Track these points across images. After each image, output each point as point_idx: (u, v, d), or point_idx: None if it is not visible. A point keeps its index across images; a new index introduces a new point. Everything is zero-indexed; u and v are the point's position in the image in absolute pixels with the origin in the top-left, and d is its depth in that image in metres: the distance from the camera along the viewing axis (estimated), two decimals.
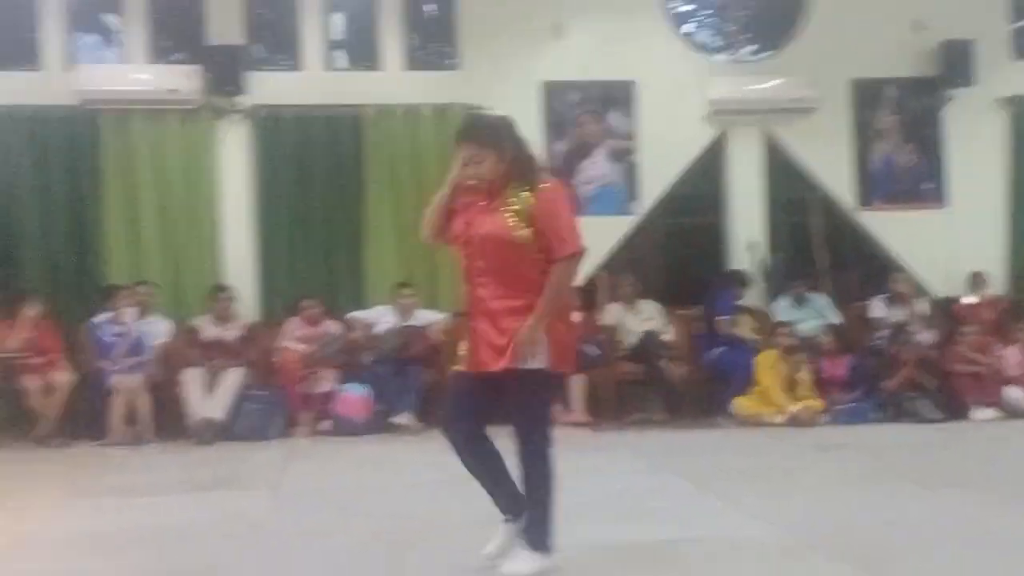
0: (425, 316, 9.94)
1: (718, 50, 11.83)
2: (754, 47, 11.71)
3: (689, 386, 10.03)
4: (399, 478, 7.22)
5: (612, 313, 10.19)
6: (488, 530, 4.65)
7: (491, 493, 4.55)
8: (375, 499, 6.40)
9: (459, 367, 4.47)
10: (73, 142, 10.02)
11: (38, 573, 4.85)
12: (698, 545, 5.02)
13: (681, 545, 5.03)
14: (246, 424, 9.07)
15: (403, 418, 9.27)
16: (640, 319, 10.18)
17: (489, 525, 4.67)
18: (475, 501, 6.25)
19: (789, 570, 4.62)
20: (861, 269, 11.19)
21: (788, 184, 11.18)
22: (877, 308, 10.41)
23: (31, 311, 9.23)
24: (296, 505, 6.36)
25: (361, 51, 11.29)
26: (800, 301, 10.43)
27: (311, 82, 10.47)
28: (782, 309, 10.41)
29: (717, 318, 10.10)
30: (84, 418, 9.32)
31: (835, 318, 10.40)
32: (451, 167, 4.49)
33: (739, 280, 10.42)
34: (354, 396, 9.31)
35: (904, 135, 11.08)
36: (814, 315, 10.40)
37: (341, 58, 11.45)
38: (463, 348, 4.46)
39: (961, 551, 4.87)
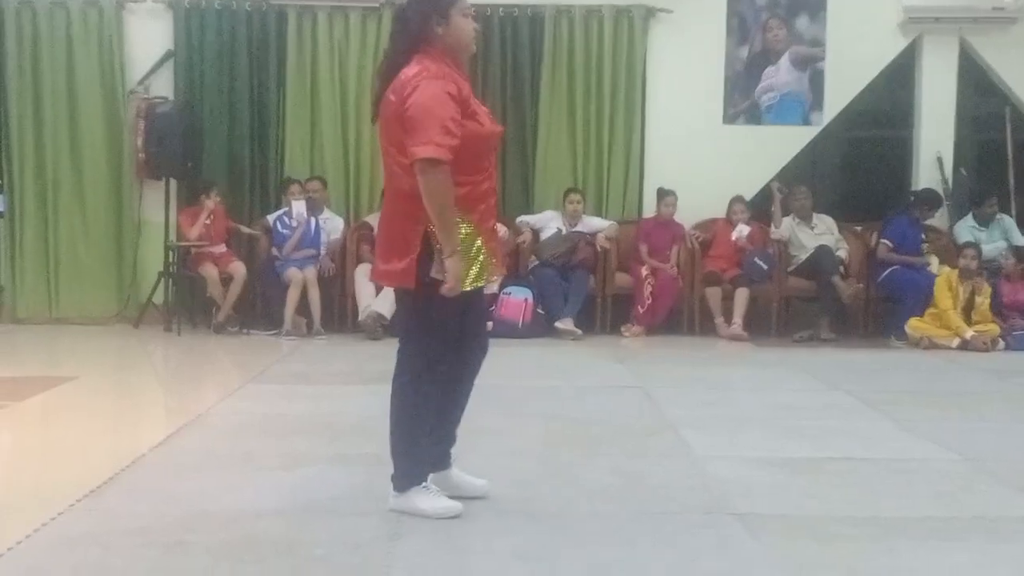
0: (592, 223, 9.92)
1: None
2: None
3: (862, 305, 9.80)
4: (565, 381, 7.31)
5: (785, 226, 9.96)
6: (654, 436, 4.65)
7: (419, 441, 4.10)
8: (537, 401, 6.50)
9: (477, 284, 3.96)
10: (259, 36, 10.26)
11: (216, 452, 5.11)
12: (872, 464, 4.99)
13: (853, 464, 5.00)
14: None
15: (565, 323, 9.34)
16: (814, 233, 9.93)
17: (654, 433, 4.68)
18: (636, 407, 6.33)
19: (964, 496, 4.55)
20: None
21: (982, 98, 10.66)
22: None
23: (212, 202, 9.60)
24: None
25: None
26: (986, 221, 10.00)
27: None
28: (966, 229, 10.00)
29: (884, 242, 9.79)
30: (259, 308, 9.73)
31: (1021, 240, 9.93)
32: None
33: (927, 201, 9.98)
34: (517, 299, 9.41)
35: None
36: (999, 236, 9.96)
37: None
38: (487, 261, 3.97)
39: None
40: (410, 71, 3.87)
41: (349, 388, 6.98)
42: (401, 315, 4.13)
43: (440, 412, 4.13)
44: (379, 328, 9.11)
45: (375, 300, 9.25)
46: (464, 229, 3.88)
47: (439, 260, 3.83)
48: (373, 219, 9.88)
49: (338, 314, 9.67)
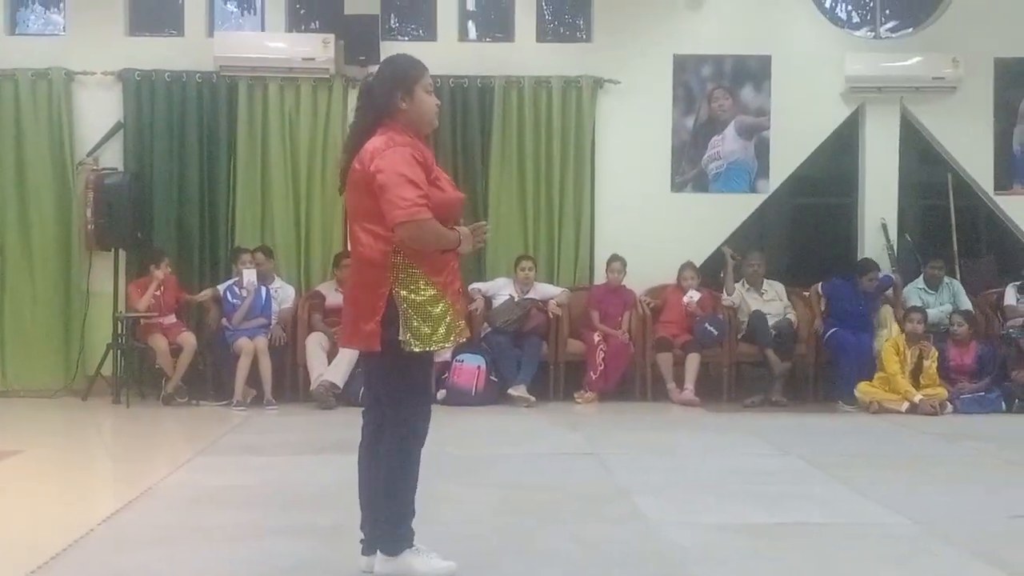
0: (544, 289, 9.97)
1: (857, 26, 11.51)
2: (894, 23, 11.37)
3: (809, 370, 9.89)
4: (517, 448, 7.30)
5: (735, 292, 10.06)
6: (608, 503, 4.67)
7: (411, 503, 4.17)
8: (493, 469, 6.49)
9: (445, 344, 4.06)
10: (209, 107, 10.27)
11: (165, 526, 5.05)
12: (826, 529, 5.01)
13: (807, 529, 5.02)
14: (365, 390, 9.21)
15: (519, 390, 9.34)
16: (764, 299, 10.03)
17: (610, 499, 4.70)
18: (590, 474, 6.33)
19: (917, 559, 4.58)
20: (995, 255, 10.81)
21: (925, 165, 10.89)
22: (1010, 295, 10.07)
23: (161, 272, 9.54)
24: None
25: (494, 22, 11.32)
26: (934, 284, 10.15)
27: (443, 52, 10.52)
28: (915, 291, 10.15)
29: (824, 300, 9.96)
30: (209, 378, 9.64)
31: (967, 305, 10.08)
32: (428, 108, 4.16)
33: (860, 268, 10.13)
34: (470, 366, 9.40)
35: None
36: (947, 299, 10.12)
37: (473, 29, 11.49)
38: (453, 321, 4.07)
39: None
40: (376, 141, 4.02)
41: (301, 458, 6.92)
42: (377, 384, 4.14)
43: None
44: (331, 397, 9.06)
45: (327, 369, 9.21)
46: (429, 291, 3.99)
47: (404, 323, 3.93)
48: (325, 288, 9.88)
49: (289, 384, 9.60)
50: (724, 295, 10.06)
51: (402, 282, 3.99)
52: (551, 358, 9.81)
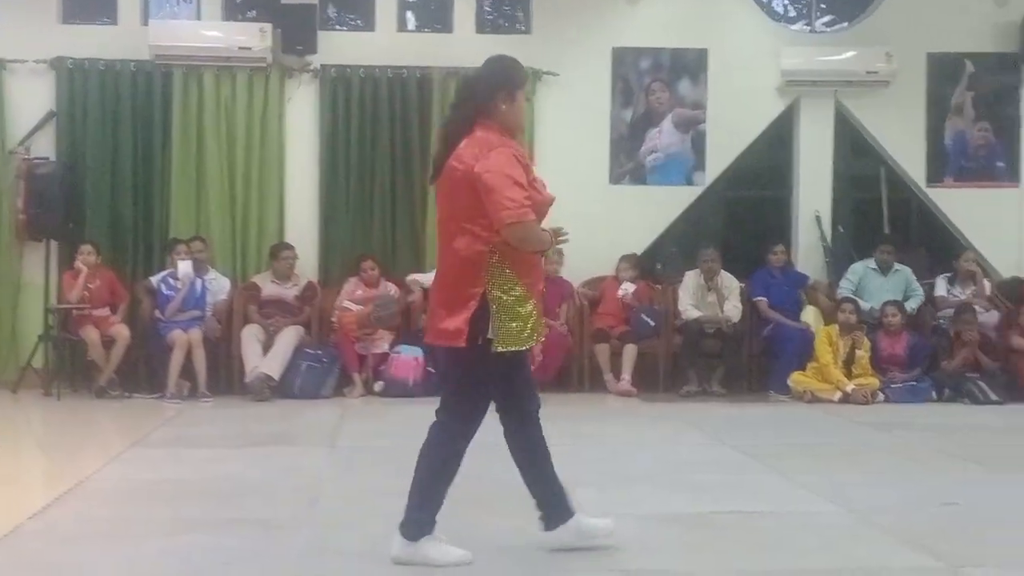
0: None
1: (793, 20, 11.63)
2: (829, 17, 11.50)
3: (745, 360, 9.99)
4: None
5: (685, 285, 10.07)
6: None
7: (441, 494, 4.33)
8: None
9: (530, 343, 4.19)
10: (144, 97, 10.13)
11: (98, 520, 4.98)
12: (759, 518, 5.07)
13: (739, 518, 5.06)
14: (301, 382, 9.20)
15: None
16: (713, 293, 10.03)
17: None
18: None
19: (849, 548, 4.64)
20: (927, 247, 10.98)
21: (858, 158, 11.02)
22: (941, 287, 10.22)
23: (92, 262, 9.40)
24: (353, 463, 6.50)
25: (432, 13, 11.29)
26: (884, 268, 10.25)
27: (382, 43, 10.49)
28: (862, 267, 10.24)
29: (760, 299, 10.07)
30: (142, 371, 9.53)
31: (919, 292, 10.21)
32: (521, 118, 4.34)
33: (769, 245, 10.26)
34: (408, 358, 9.38)
35: (980, 112, 10.82)
36: (898, 286, 10.20)
37: (412, 19, 11.45)
38: (538, 320, 4.21)
39: (1018, 531, 4.91)
40: (478, 140, 4.11)
41: (236, 451, 6.87)
42: (451, 377, 4.27)
43: (545, 463, 4.43)
44: (267, 390, 9.00)
45: (262, 361, 9.14)
46: (519, 291, 4.12)
47: (494, 322, 4.06)
48: (261, 279, 9.81)
49: (224, 376, 9.51)
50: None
51: (495, 282, 4.09)
52: None
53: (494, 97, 4.16)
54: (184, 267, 9.41)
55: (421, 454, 4.27)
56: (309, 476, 6.00)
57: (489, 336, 4.06)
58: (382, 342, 9.53)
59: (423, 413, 8.52)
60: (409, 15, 11.34)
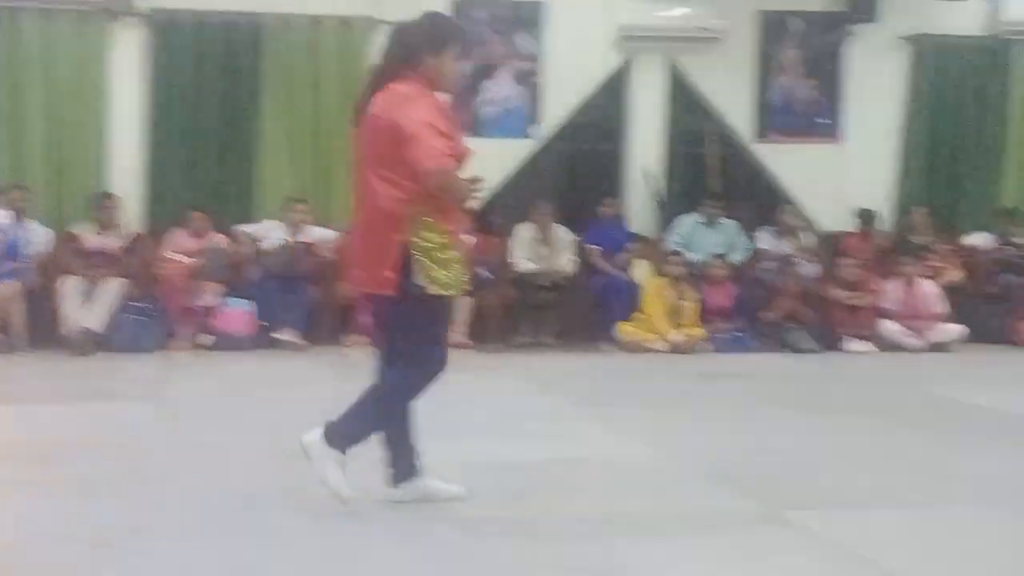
0: (316, 232, 9.82)
1: None
2: None
3: (577, 312, 10.11)
4: (286, 394, 7.19)
5: (519, 237, 10.11)
6: (375, 447, 4.67)
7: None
8: (262, 414, 6.37)
9: (457, 290, 4.25)
10: None
11: None
12: (581, 465, 5.15)
13: (565, 465, 5.14)
14: (124, 336, 8.92)
15: (287, 335, 9.20)
16: (547, 246, 10.10)
17: (376, 442, 4.69)
18: None
19: (671, 492, 4.76)
20: (754, 201, 11.28)
21: (688, 114, 11.19)
22: (764, 239, 10.52)
23: None
24: (179, 419, 6.34)
25: None
26: (712, 222, 10.47)
27: None
28: (691, 222, 10.44)
29: (593, 248, 10.19)
30: None
31: (746, 244, 10.47)
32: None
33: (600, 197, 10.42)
34: (237, 311, 9.20)
35: (805, 69, 11.11)
36: (726, 239, 10.44)
37: None
38: (461, 267, 4.24)
39: (834, 475, 5.09)
40: (399, 90, 4.15)
41: (56, 407, 6.62)
42: (387, 326, 4.30)
43: (404, 423, 4.43)
44: (89, 343, 8.71)
45: (84, 314, 8.84)
46: (439, 238, 4.14)
47: (421, 269, 4.11)
48: (83, 229, 9.45)
49: (44, 330, 9.13)
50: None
51: (418, 230, 4.11)
52: (321, 302, 9.69)
53: (421, 51, 4.22)
54: (4, 216, 9.01)
55: (364, 393, 4.32)
56: (134, 432, 5.83)
57: (417, 282, 4.12)
58: (210, 294, 9.30)
59: (252, 367, 8.46)
60: None
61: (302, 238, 9.70)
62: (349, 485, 4.23)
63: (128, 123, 10.00)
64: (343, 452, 4.24)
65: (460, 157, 4.21)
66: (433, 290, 4.14)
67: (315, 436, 4.25)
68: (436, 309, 4.24)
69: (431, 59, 4.22)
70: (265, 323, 9.29)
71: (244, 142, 10.06)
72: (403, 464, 4.45)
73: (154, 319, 9.11)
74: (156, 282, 9.38)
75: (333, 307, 9.69)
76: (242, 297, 9.28)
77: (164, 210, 9.95)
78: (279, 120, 10.15)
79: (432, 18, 4.34)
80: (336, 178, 10.17)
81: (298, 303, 9.40)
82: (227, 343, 9.01)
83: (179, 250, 9.45)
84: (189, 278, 9.27)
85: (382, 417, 4.36)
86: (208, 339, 9.12)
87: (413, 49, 4.22)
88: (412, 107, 4.09)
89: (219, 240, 9.61)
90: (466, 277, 4.31)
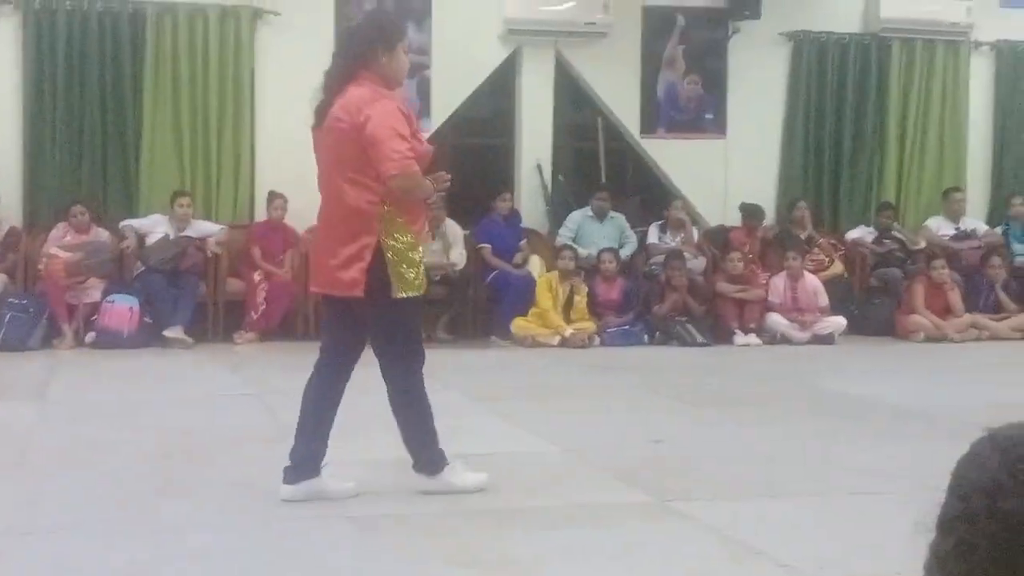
0: (202, 227, 9.66)
1: None
2: None
3: (470, 307, 10.12)
4: (172, 392, 7.09)
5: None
6: (270, 446, 4.65)
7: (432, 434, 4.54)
8: (147, 413, 6.27)
9: (409, 292, 4.28)
10: None
11: None
12: (483, 460, 5.14)
13: (467, 461, 5.10)
14: (5, 334, 8.67)
15: (174, 331, 9.04)
16: (439, 241, 10.07)
17: (271, 440, 4.66)
18: (252, 416, 6.24)
19: (567, 485, 4.81)
20: (641, 195, 11.41)
21: (577, 108, 11.28)
22: (653, 234, 10.66)
23: None
24: (63, 418, 6.22)
25: None
26: (600, 215, 10.56)
27: None
28: (580, 215, 10.51)
29: (483, 246, 10.21)
30: None
31: (633, 239, 10.57)
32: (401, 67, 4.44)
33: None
34: (122, 307, 9.00)
35: (690, 65, 11.25)
36: (614, 233, 10.53)
37: None
38: (422, 268, 4.35)
39: (724, 467, 5.18)
40: (360, 92, 4.23)
41: None
42: (377, 333, 4.38)
43: (329, 411, 4.48)
44: None
45: None
46: (408, 239, 4.24)
47: (392, 270, 4.19)
48: None
49: None
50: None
51: (388, 231, 4.19)
52: (209, 297, 9.54)
53: (373, 49, 4.30)
54: None
55: (396, 408, 4.48)
56: (17, 431, 5.68)
57: (389, 284, 4.20)
58: (94, 291, 9.09)
59: (137, 364, 8.31)
60: None
61: (188, 232, 9.54)
62: (473, 473, 4.54)
63: (5, 115, 9.71)
64: (446, 463, 4.46)
65: (421, 157, 4.28)
66: (404, 292, 4.22)
67: (424, 481, 4.45)
68: (411, 306, 4.33)
69: (384, 57, 4.30)
70: (150, 319, 9.11)
71: (127, 134, 9.84)
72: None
73: (35, 316, 8.87)
74: (38, 278, 9.14)
75: (223, 302, 9.56)
76: (127, 293, 9.08)
77: (45, 204, 9.70)
78: (163, 112, 9.95)
79: (378, 16, 4.58)
80: (223, 170, 10.03)
81: (185, 299, 9.24)
82: (112, 340, 8.80)
83: (61, 245, 9.21)
84: (71, 274, 9.05)
85: (423, 411, 4.48)
86: (91, 336, 8.91)
87: (367, 49, 4.31)
88: (372, 110, 4.15)
89: (102, 235, 9.40)
90: (427, 277, 4.44)
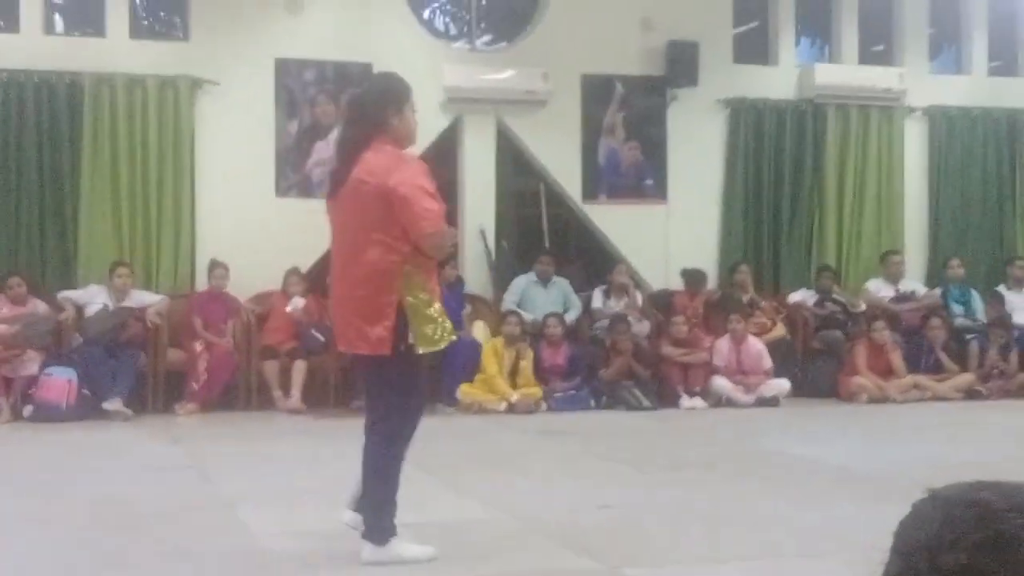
0: (142, 297, 9.55)
1: (455, 37, 11.86)
2: (489, 36, 11.81)
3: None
4: (109, 465, 6.95)
5: None
6: (207, 514, 4.55)
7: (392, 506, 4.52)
8: (84, 486, 6.14)
9: (444, 342, 4.42)
10: None
11: None
12: (429, 529, 5.06)
13: (411, 530, 5.01)
14: None
15: (113, 404, 8.88)
16: None
17: (207, 510, 4.57)
18: (190, 487, 6.13)
19: (515, 554, 4.75)
20: (585, 260, 11.46)
21: (519, 175, 11.34)
22: (597, 298, 10.69)
23: None
24: None
25: (83, 15, 10.73)
26: (544, 279, 10.57)
27: (28, 45, 9.85)
28: (526, 281, 10.52)
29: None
30: None
31: (577, 304, 10.59)
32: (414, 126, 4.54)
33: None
34: (60, 380, 8.81)
35: (630, 131, 11.36)
36: (558, 298, 10.53)
37: (60, 21, 10.84)
38: (443, 320, 4.41)
39: (670, 531, 5.16)
40: (383, 155, 4.32)
41: None
42: (374, 385, 4.48)
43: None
44: None
45: None
46: (425, 296, 4.35)
47: (413, 328, 4.28)
48: None
49: None
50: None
51: (409, 288, 4.30)
52: (150, 369, 9.40)
53: (384, 114, 4.38)
54: None
55: (364, 464, 4.45)
56: None
57: (410, 342, 4.28)
58: (31, 363, 8.91)
59: (77, 437, 8.15)
60: (57, 17, 10.73)
61: (127, 303, 9.41)
62: (417, 544, 4.50)
63: None
64: (393, 534, 4.40)
65: (443, 215, 4.39)
66: (424, 347, 4.32)
67: (366, 550, 4.36)
68: (420, 363, 4.43)
69: (395, 119, 4.40)
70: (89, 392, 8.94)
71: (65, 204, 9.75)
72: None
73: None
74: None
75: (163, 373, 9.42)
76: (65, 365, 8.92)
77: None
78: (101, 181, 9.87)
79: (385, 79, 4.64)
80: (163, 239, 9.95)
81: (124, 370, 9.09)
82: (50, 413, 8.62)
83: None
84: (8, 347, 8.88)
85: (390, 478, 4.45)
86: (28, 410, 8.73)
87: (378, 113, 4.38)
88: (401, 171, 4.26)
89: (40, 306, 9.25)
90: (450, 331, 4.48)
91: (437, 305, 4.40)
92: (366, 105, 4.47)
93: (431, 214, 4.23)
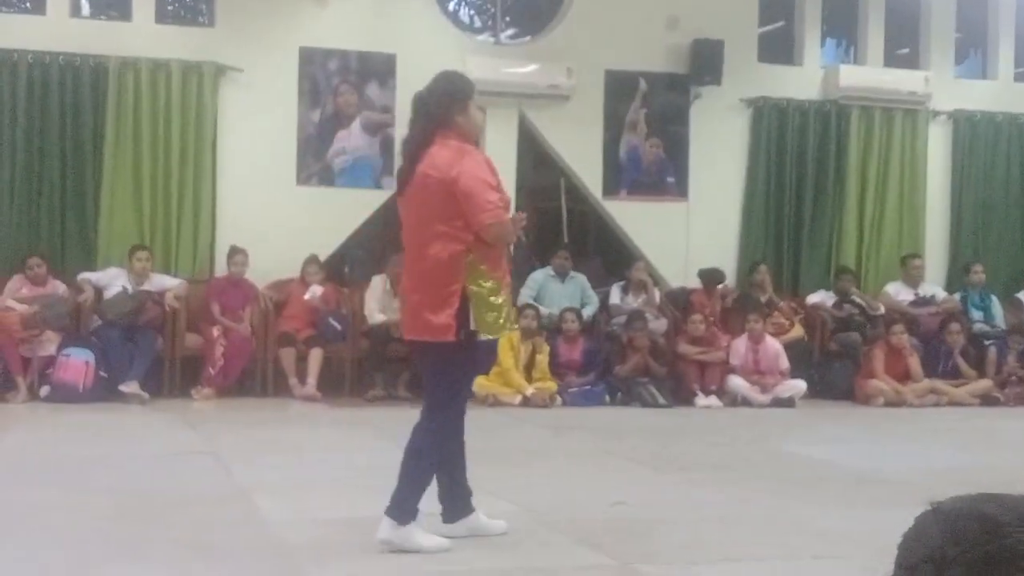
0: (161, 281, 9.58)
1: (479, 30, 11.85)
2: (514, 30, 11.79)
3: None
4: (126, 450, 6.96)
5: (373, 289, 10.03)
6: (222, 502, 4.55)
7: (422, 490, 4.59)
8: (100, 472, 6.14)
9: (508, 329, 4.65)
10: None
11: None
12: (435, 521, 5.05)
13: (425, 520, 5.05)
14: None
15: (130, 386, 8.91)
16: (400, 298, 10.04)
17: (222, 498, 4.57)
18: (207, 475, 6.14)
19: (527, 547, 4.74)
20: (603, 256, 11.45)
21: (540, 169, 11.33)
22: (615, 295, 10.68)
23: None
24: (14, 477, 6.04)
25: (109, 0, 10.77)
26: (561, 274, 10.57)
27: (54, 28, 9.89)
28: (543, 275, 10.51)
29: None
30: None
31: (594, 299, 10.57)
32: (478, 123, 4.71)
33: None
34: (77, 361, 8.87)
35: (652, 128, 11.35)
36: (575, 293, 10.54)
37: (87, 5, 10.88)
38: (509, 309, 4.59)
39: (686, 530, 5.14)
40: (447, 149, 4.44)
41: None
42: (435, 373, 4.58)
43: (456, 463, 4.72)
44: None
45: None
46: (491, 284, 4.46)
47: (476, 315, 4.41)
48: None
49: None
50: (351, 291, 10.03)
51: (472, 277, 4.42)
52: (167, 353, 9.44)
53: (449, 111, 4.49)
54: None
55: (409, 446, 4.54)
56: None
57: (472, 328, 4.40)
58: (49, 344, 8.97)
59: (94, 420, 8.18)
60: (83, 1, 10.76)
61: (146, 286, 9.45)
62: (437, 535, 4.55)
63: None
64: (414, 518, 4.47)
65: (506, 205, 4.54)
66: (485, 333, 4.46)
67: (384, 526, 4.42)
68: (479, 351, 4.56)
69: (459, 116, 4.51)
70: (106, 374, 8.98)
71: (86, 187, 9.79)
72: (456, 503, 4.74)
73: None
74: None
75: (180, 358, 9.45)
76: (83, 347, 8.96)
77: (1, 256, 9.59)
78: (123, 165, 9.90)
79: (448, 77, 4.67)
80: (183, 224, 9.98)
81: (141, 353, 9.13)
82: (67, 395, 8.67)
83: (17, 298, 9.09)
84: (27, 327, 8.92)
85: (429, 468, 4.56)
86: (46, 390, 8.77)
87: (443, 111, 4.49)
88: (463, 164, 4.38)
89: (59, 287, 9.29)
90: (513, 319, 4.63)
91: (503, 294, 4.52)
92: (430, 104, 4.56)
93: (491, 206, 4.36)
